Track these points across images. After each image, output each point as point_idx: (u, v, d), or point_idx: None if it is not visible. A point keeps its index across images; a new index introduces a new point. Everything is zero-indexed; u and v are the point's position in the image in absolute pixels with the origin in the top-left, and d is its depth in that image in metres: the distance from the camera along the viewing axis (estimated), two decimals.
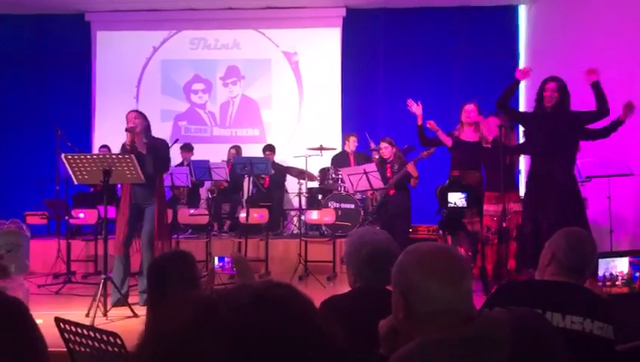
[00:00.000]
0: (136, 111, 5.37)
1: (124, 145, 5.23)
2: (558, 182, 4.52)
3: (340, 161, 8.07)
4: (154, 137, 5.36)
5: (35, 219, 8.17)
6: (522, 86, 9.21)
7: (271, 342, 0.65)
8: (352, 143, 8.13)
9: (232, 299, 0.69)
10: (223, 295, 0.70)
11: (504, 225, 4.95)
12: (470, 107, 5.76)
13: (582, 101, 5.03)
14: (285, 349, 0.66)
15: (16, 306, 1.11)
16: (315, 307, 0.73)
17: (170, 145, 6.00)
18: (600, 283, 2.73)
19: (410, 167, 6.09)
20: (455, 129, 5.85)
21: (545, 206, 4.51)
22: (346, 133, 8.63)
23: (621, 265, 2.68)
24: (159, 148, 5.27)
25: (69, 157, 4.73)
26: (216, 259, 4.61)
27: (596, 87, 4.65)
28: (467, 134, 5.69)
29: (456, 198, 3.91)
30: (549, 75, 4.94)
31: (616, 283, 2.68)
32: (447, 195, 3.85)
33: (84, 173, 4.77)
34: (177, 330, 0.67)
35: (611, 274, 2.69)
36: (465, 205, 3.95)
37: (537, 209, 4.55)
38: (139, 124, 5.15)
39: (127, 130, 5.12)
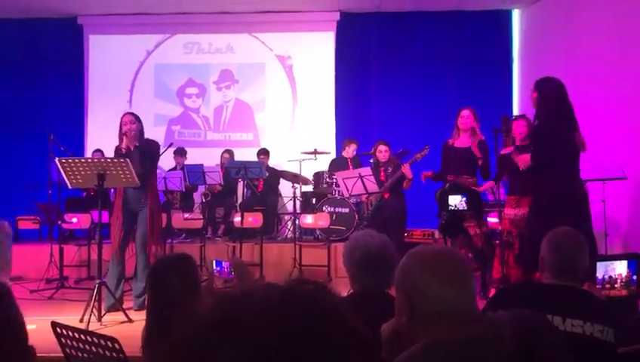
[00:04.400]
0: (131, 114, 5.33)
1: (118, 149, 5.21)
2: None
3: (337, 166, 8.05)
4: (147, 139, 5.34)
5: (27, 223, 8.12)
6: (516, 88, 9.27)
7: (302, 337, 0.65)
8: (352, 150, 8.10)
9: (262, 296, 0.69)
10: (251, 292, 0.70)
11: (514, 231, 4.94)
12: (466, 113, 5.64)
13: (581, 104, 5.03)
14: (316, 344, 0.66)
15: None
16: (343, 302, 0.73)
17: (164, 149, 5.99)
18: (599, 286, 2.72)
19: (406, 169, 6.08)
20: (451, 136, 5.75)
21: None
22: (343, 137, 8.60)
23: (620, 268, 2.68)
24: (149, 149, 5.25)
25: (63, 161, 4.69)
26: (213, 263, 4.58)
27: None
28: (463, 140, 5.63)
29: (457, 201, 3.90)
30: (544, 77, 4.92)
31: (615, 285, 2.68)
32: (447, 198, 3.84)
33: (79, 177, 4.73)
34: (207, 327, 0.67)
35: (610, 277, 2.69)
36: (465, 208, 3.94)
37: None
38: (133, 129, 5.14)
39: (124, 134, 5.09)
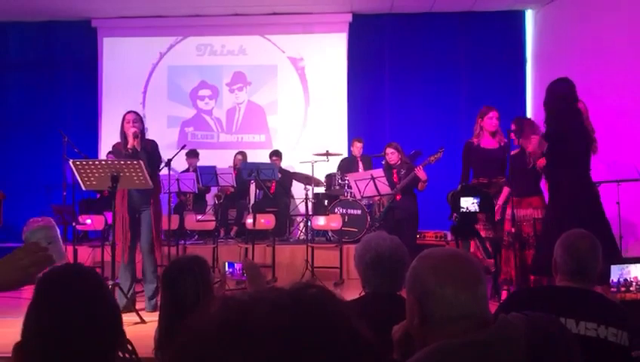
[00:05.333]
0: (135, 113, 5.26)
1: (117, 147, 5.19)
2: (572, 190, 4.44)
3: (347, 165, 8.06)
4: (147, 139, 5.33)
5: None
6: (529, 89, 9.21)
7: (309, 342, 0.65)
8: (357, 147, 8.13)
9: (268, 299, 0.69)
10: (257, 296, 0.70)
11: (513, 230, 4.92)
12: (496, 114, 5.47)
13: (596, 105, 4.98)
14: (323, 349, 0.66)
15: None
16: (349, 306, 0.73)
17: (177, 150, 6.00)
18: (614, 289, 2.70)
19: (419, 171, 6.05)
20: (473, 135, 5.65)
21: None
22: (352, 137, 8.61)
23: (635, 271, 2.66)
24: (152, 149, 5.23)
25: (77, 163, 4.72)
26: (226, 264, 4.59)
27: None
28: (487, 141, 5.55)
29: (469, 203, 3.88)
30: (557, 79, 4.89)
31: (631, 288, 2.66)
32: (459, 200, 3.81)
33: (92, 179, 4.76)
34: (213, 331, 0.67)
35: (626, 280, 2.66)
36: (477, 210, 3.92)
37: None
38: (138, 128, 5.15)
39: (135, 135, 5.08)
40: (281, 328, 0.65)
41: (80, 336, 1.32)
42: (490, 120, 5.47)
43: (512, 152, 5.31)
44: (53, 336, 1.31)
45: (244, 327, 0.66)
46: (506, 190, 5.43)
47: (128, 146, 5.10)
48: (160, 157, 5.42)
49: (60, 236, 4.43)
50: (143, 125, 5.27)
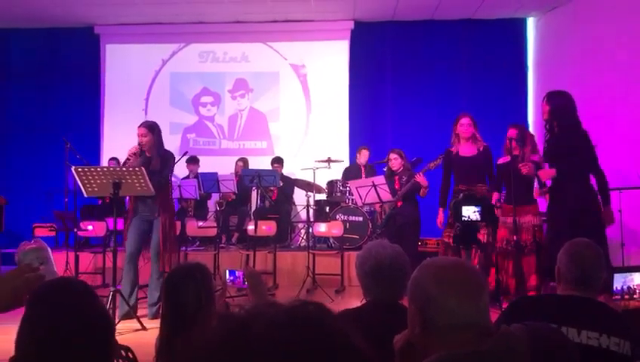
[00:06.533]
0: (144, 126, 5.25)
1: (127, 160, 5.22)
2: (572, 198, 4.46)
3: (351, 173, 8.06)
4: (165, 151, 5.35)
5: (43, 231, 8.18)
6: (530, 97, 9.22)
7: (306, 359, 0.66)
8: (364, 156, 8.11)
9: (266, 316, 0.69)
10: (255, 313, 0.70)
11: (514, 238, 4.92)
12: (466, 120, 5.50)
13: (596, 112, 4.99)
14: None
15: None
16: (346, 324, 0.74)
17: (179, 157, 6.00)
18: (618, 297, 2.70)
19: (420, 178, 6.05)
20: (450, 144, 5.66)
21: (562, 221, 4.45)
22: (356, 146, 8.55)
23: (638, 279, 2.65)
24: (165, 158, 5.24)
25: (79, 169, 4.73)
26: (227, 272, 4.59)
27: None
28: (466, 148, 5.58)
29: (470, 212, 3.88)
30: (558, 87, 4.91)
31: (635, 296, 2.65)
32: (460, 209, 3.81)
33: (94, 185, 4.77)
34: (210, 348, 0.67)
35: (629, 288, 2.66)
36: (479, 219, 3.92)
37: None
38: (147, 142, 5.15)
39: (133, 153, 5.08)
40: (278, 345, 0.66)
41: (73, 347, 1.32)
42: (462, 126, 5.52)
43: (501, 160, 5.33)
44: (46, 349, 1.32)
45: (242, 345, 0.66)
46: (495, 196, 5.46)
47: (128, 155, 5.11)
48: (172, 168, 5.42)
49: (52, 257, 4.47)
50: (154, 136, 5.22)
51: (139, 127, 5.27)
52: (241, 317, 0.70)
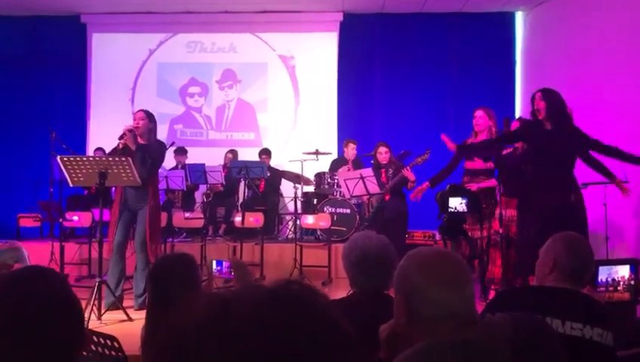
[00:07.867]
0: (145, 111, 5.28)
1: (115, 148, 5.17)
2: (555, 192, 4.48)
3: (339, 166, 8.05)
4: (156, 140, 5.32)
5: (28, 221, 8.13)
6: (518, 90, 9.26)
7: (288, 336, 0.66)
8: (351, 150, 8.08)
9: (249, 295, 0.70)
10: (238, 293, 0.71)
11: (501, 231, 4.95)
12: (480, 113, 5.49)
13: (583, 106, 5.02)
14: (304, 345, 0.66)
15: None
16: (330, 302, 0.74)
17: (166, 147, 5.96)
18: (602, 289, 2.72)
19: (407, 172, 6.06)
20: (470, 137, 5.64)
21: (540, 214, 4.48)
22: (344, 138, 8.47)
23: (622, 271, 2.68)
24: (151, 148, 5.18)
25: (65, 159, 4.69)
26: (214, 263, 4.58)
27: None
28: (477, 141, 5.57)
29: (457, 203, 3.90)
30: (546, 81, 4.94)
31: (618, 288, 2.68)
32: (447, 200, 3.83)
33: (80, 175, 4.73)
34: (193, 327, 0.67)
35: (613, 280, 2.69)
36: (465, 210, 3.94)
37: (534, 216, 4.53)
38: (143, 125, 5.13)
39: (129, 130, 5.04)
40: (261, 323, 0.66)
41: (36, 336, 1.31)
42: (475, 119, 5.53)
43: (504, 151, 5.34)
44: (8, 337, 1.30)
45: (225, 323, 0.66)
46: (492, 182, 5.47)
47: (120, 141, 5.04)
48: (162, 158, 5.37)
49: (27, 257, 4.47)
50: (151, 123, 5.21)
51: (137, 111, 5.28)
52: (224, 297, 0.70)
